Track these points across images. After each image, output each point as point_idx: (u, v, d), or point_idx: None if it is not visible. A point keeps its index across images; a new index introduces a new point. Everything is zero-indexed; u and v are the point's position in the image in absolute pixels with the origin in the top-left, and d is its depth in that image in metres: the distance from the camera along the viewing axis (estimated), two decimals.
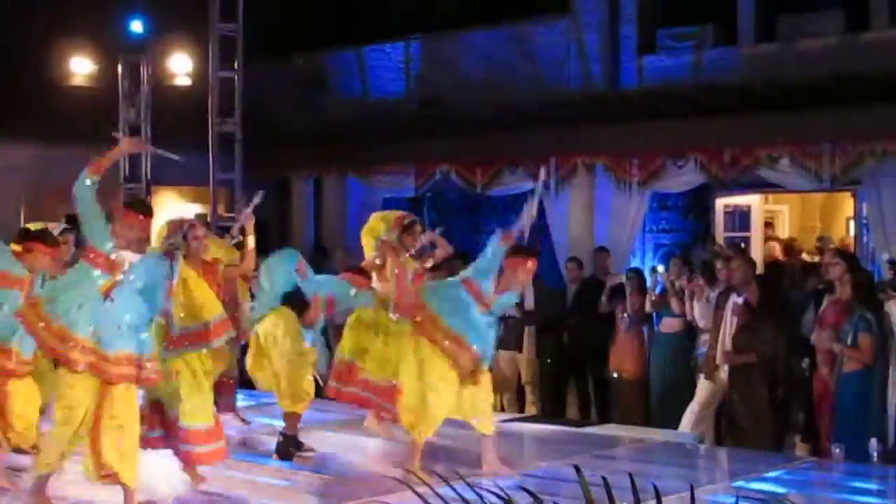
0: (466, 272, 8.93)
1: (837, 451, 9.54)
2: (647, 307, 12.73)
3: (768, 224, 17.03)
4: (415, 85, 18.22)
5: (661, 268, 12.97)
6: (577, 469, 3.01)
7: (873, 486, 8.87)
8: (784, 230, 17.71)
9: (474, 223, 17.17)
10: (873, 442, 9.55)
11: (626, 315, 12.86)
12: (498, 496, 2.97)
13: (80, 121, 16.88)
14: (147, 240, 8.37)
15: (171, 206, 19.71)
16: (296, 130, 18.10)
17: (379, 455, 9.70)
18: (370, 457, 9.64)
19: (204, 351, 8.70)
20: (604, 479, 2.85)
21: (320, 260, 16.19)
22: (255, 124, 15.89)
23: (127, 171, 15.82)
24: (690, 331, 12.29)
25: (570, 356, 13.86)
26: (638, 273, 13.35)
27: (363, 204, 18.57)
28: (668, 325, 12.50)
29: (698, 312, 11.99)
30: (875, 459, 9.50)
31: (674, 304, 12.32)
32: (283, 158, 18.25)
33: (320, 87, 19.17)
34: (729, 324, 11.23)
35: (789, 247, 15.68)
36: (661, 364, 12.58)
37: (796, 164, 13.72)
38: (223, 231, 12.04)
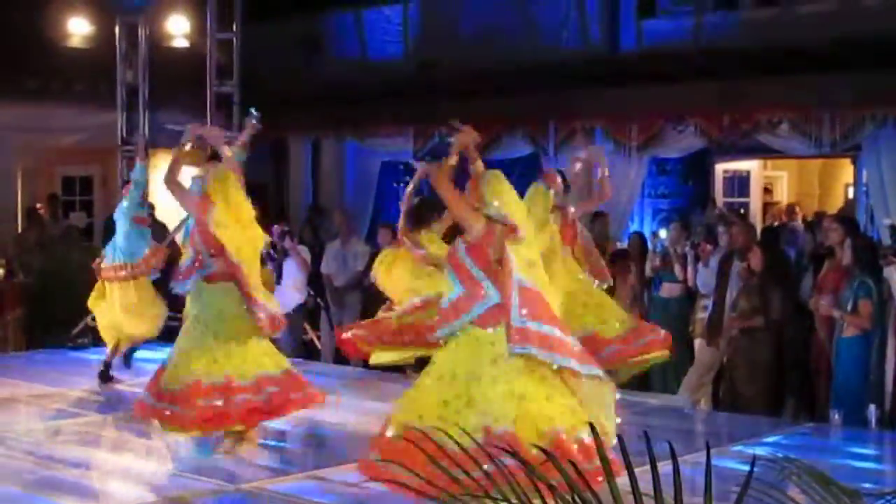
0: None
1: (836, 416, 9.55)
2: (648, 272, 12.69)
3: (767, 190, 17.04)
4: (413, 47, 18.15)
5: (663, 232, 12.91)
6: (592, 427, 3.01)
7: (871, 452, 8.92)
8: (783, 196, 17.73)
9: None
10: (871, 408, 9.58)
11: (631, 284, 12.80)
12: (507, 451, 2.97)
13: (78, 82, 16.81)
14: None
15: None
16: (294, 92, 18.05)
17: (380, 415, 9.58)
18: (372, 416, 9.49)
19: None
20: (619, 437, 2.84)
21: (318, 220, 16.19)
22: (253, 86, 15.83)
23: (124, 132, 15.73)
24: (690, 296, 12.26)
25: None
26: (641, 237, 13.32)
27: (361, 167, 18.56)
28: (668, 289, 12.45)
29: (701, 277, 11.95)
30: (873, 425, 9.52)
31: (677, 270, 12.28)
32: (280, 120, 18.15)
33: (317, 49, 19.09)
34: (736, 289, 11.19)
35: (790, 208, 15.74)
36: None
37: (796, 129, 13.73)
38: None
